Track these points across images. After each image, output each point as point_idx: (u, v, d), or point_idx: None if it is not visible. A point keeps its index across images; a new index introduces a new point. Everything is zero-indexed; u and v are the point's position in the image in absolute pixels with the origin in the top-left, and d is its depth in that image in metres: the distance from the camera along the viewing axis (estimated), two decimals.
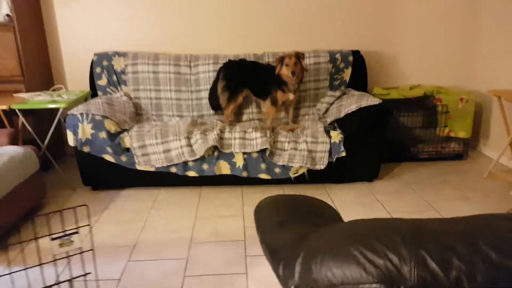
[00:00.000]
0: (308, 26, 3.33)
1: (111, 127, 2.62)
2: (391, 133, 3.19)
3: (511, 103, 2.78)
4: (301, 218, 1.05)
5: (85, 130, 2.58)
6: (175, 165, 2.68)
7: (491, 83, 3.26)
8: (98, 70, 3.10)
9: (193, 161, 2.68)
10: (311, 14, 3.30)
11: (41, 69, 3.19)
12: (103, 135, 2.59)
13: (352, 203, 2.57)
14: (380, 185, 2.82)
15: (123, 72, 3.10)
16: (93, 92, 3.13)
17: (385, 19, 3.36)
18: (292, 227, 0.96)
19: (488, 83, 3.30)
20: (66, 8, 3.20)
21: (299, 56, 2.81)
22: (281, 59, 2.80)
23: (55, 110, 2.81)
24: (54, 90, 3.17)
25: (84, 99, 3.17)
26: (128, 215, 2.46)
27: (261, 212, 1.17)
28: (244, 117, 3.19)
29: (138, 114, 3.11)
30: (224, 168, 2.71)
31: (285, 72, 2.80)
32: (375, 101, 2.69)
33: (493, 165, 2.89)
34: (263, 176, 2.74)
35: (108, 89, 3.11)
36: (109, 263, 1.98)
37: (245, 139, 2.71)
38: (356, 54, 3.19)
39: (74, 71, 3.34)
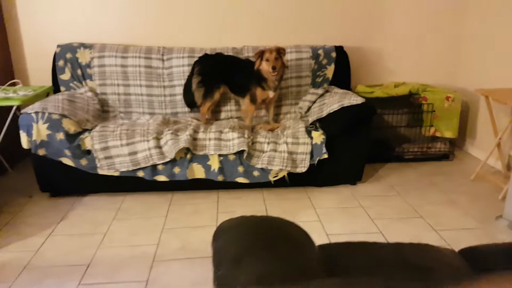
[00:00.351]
0: (290, 20, 3.13)
1: (70, 127, 2.37)
2: (376, 133, 3.04)
3: (499, 103, 2.66)
4: (264, 250, 0.87)
5: (40, 130, 2.32)
6: (143, 169, 2.45)
7: (478, 81, 3.15)
8: (61, 63, 2.83)
9: (163, 164, 2.46)
10: (293, 7, 3.10)
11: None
12: (60, 136, 2.33)
13: (334, 209, 2.41)
14: (364, 188, 2.67)
15: (88, 65, 2.84)
16: (56, 87, 2.86)
17: (369, 13, 3.19)
18: (251, 266, 0.78)
19: (475, 81, 3.18)
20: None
21: (280, 51, 2.62)
22: (261, 53, 2.60)
23: (10, 108, 2.53)
24: (10, 85, 2.87)
25: (46, 95, 2.90)
26: (87, 226, 2.22)
27: (219, 241, 0.99)
28: (223, 115, 2.98)
29: (104, 112, 2.86)
30: (198, 171, 2.50)
31: (265, 67, 2.60)
32: (358, 100, 2.53)
33: (481, 167, 2.77)
34: (241, 180, 2.54)
35: (71, 84, 2.84)
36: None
37: (221, 140, 2.50)
38: (340, 50, 3.01)
39: (37, 65, 3.04)
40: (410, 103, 3.06)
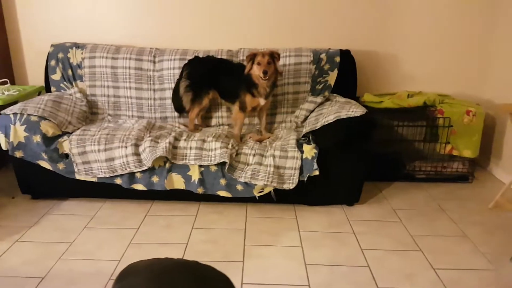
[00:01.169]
0: (292, 20, 2.88)
1: (48, 129, 2.29)
2: (384, 147, 2.73)
3: None
4: None
5: (18, 132, 2.26)
6: (120, 176, 2.33)
7: (508, 92, 2.73)
8: (53, 63, 2.78)
9: (141, 172, 2.32)
10: (296, 6, 2.85)
11: None
12: (37, 138, 2.26)
13: (321, 233, 2.15)
14: (361, 211, 2.38)
15: (79, 66, 2.77)
16: (48, 87, 2.82)
17: (382, 13, 2.86)
18: None
19: (504, 92, 2.77)
20: None
21: (273, 55, 2.39)
22: (253, 57, 2.39)
23: None
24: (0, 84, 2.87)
25: (37, 94, 2.87)
26: (56, 234, 2.13)
27: (121, 283, 0.84)
28: (213, 122, 2.80)
29: (93, 114, 2.78)
30: (177, 182, 2.34)
31: (256, 72, 2.39)
32: (358, 111, 2.24)
33: (502, 193, 2.38)
34: (223, 193, 2.35)
35: (62, 85, 2.78)
36: None
37: (203, 150, 2.32)
38: (345, 54, 2.73)
39: (34, 63, 3.02)
40: (425, 116, 2.71)
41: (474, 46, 2.92)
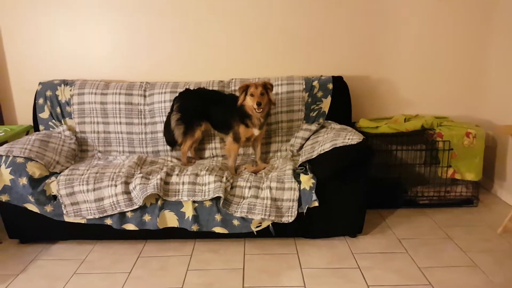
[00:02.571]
0: (283, 49, 2.86)
1: (35, 171, 2.20)
2: (384, 172, 2.65)
3: None
4: None
5: (3, 175, 2.16)
6: (110, 216, 2.22)
7: (507, 112, 2.69)
8: (40, 101, 2.73)
9: (132, 211, 2.22)
10: (287, 34, 2.84)
11: None
12: (23, 181, 2.17)
13: (324, 270, 2.02)
14: (365, 243, 2.26)
15: (68, 103, 2.71)
16: (36, 126, 2.75)
17: (373, 38, 2.85)
18: None
19: (504, 113, 2.72)
20: (14, 33, 2.87)
21: (266, 86, 2.35)
22: (245, 88, 2.35)
23: None
24: None
25: (26, 133, 2.80)
26: (44, 282, 1.99)
27: None
28: (207, 153, 2.72)
29: (83, 151, 2.70)
30: (170, 220, 2.23)
31: (249, 103, 2.34)
32: (354, 139, 2.18)
33: (510, 217, 2.28)
34: (219, 230, 2.23)
35: (50, 123, 2.71)
36: None
37: (196, 184, 2.23)
38: (338, 80, 2.69)
39: (23, 102, 2.97)
40: (424, 139, 2.65)
41: (470, 67, 2.90)
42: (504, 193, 2.74)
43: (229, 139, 2.50)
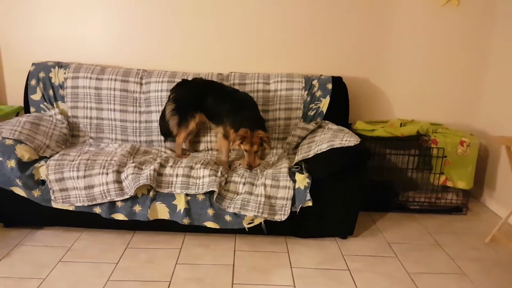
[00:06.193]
0: (284, 46, 2.83)
1: (24, 154, 2.14)
2: (377, 174, 2.66)
3: None
4: None
5: None
6: (100, 204, 2.18)
7: (501, 123, 2.72)
8: (33, 82, 2.64)
9: (122, 201, 2.17)
10: (288, 31, 2.81)
11: None
12: (11, 164, 2.10)
13: (314, 270, 2.02)
14: (355, 245, 2.27)
15: (61, 86, 2.64)
16: (27, 107, 2.67)
17: (375, 41, 2.85)
18: None
19: (498, 123, 2.75)
20: (7, 12, 2.76)
21: (263, 140, 2.24)
22: (243, 139, 2.21)
23: None
24: None
25: (16, 115, 2.72)
26: (27, 269, 1.94)
27: None
28: (202, 146, 2.69)
29: (74, 136, 2.63)
30: (161, 212, 2.20)
31: (240, 148, 2.26)
32: (352, 140, 2.17)
33: (499, 228, 2.32)
34: (210, 224, 2.21)
35: (42, 105, 2.64)
36: None
37: (190, 177, 2.20)
38: (337, 80, 2.68)
39: (15, 83, 2.86)
40: (419, 145, 2.67)
41: (467, 75, 2.92)
42: (493, 203, 2.78)
43: (219, 134, 2.45)
